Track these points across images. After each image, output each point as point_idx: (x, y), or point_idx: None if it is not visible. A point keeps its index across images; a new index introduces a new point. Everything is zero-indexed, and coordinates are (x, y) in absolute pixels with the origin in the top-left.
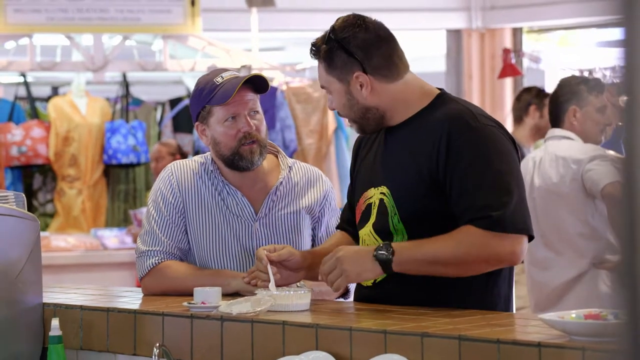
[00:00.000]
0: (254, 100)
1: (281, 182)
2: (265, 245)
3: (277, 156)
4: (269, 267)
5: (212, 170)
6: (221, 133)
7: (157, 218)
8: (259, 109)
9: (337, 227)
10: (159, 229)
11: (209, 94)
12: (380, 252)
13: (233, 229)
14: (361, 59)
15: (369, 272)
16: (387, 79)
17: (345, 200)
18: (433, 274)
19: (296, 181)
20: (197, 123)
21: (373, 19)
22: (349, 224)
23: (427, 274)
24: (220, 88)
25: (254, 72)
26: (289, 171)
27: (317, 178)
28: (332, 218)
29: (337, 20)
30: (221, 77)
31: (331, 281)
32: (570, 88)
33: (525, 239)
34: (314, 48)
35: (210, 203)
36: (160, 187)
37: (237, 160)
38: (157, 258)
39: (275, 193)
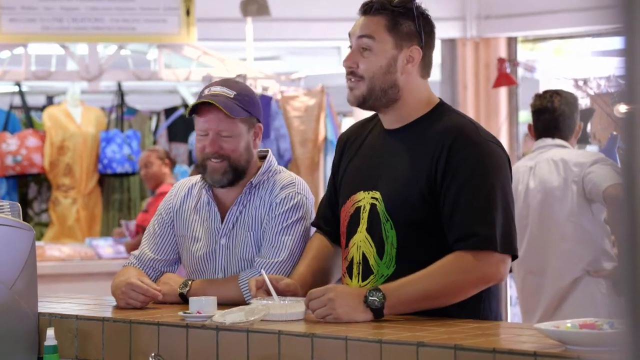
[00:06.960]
0: (225, 122)
1: (240, 201)
2: (229, 260)
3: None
4: (271, 289)
5: (204, 181)
6: (195, 142)
7: (150, 230)
8: (233, 132)
9: (313, 224)
10: (146, 241)
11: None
12: (371, 298)
13: (206, 242)
14: (425, 38)
15: (360, 316)
16: (423, 71)
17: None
18: (426, 309)
19: (260, 198)
20: None
21: None
22: (326, 222)
23: (420, 309)
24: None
25: (220, 95)
26: (249, 191)
27: (279, 189)
28: (276, 234)
29: None
30: (209, 89)
31: (319, 315)
32: (576, 104)
33: (509, 258)
34: (382, 2)
35: (193, 217)
36: (164, 199)
37: (203, 172)
38: (127, 262)
39: (239, 209)
